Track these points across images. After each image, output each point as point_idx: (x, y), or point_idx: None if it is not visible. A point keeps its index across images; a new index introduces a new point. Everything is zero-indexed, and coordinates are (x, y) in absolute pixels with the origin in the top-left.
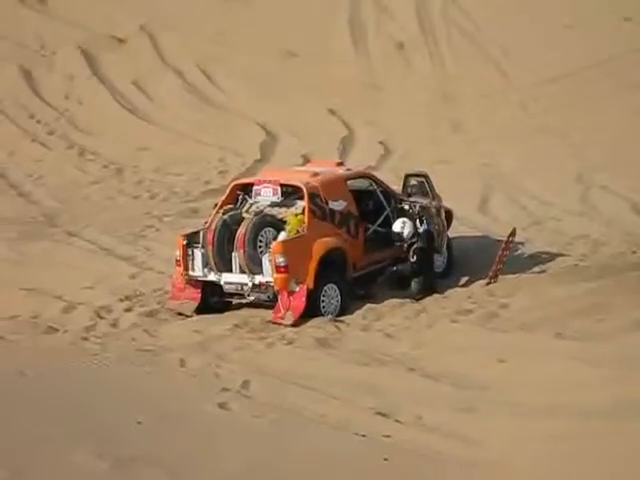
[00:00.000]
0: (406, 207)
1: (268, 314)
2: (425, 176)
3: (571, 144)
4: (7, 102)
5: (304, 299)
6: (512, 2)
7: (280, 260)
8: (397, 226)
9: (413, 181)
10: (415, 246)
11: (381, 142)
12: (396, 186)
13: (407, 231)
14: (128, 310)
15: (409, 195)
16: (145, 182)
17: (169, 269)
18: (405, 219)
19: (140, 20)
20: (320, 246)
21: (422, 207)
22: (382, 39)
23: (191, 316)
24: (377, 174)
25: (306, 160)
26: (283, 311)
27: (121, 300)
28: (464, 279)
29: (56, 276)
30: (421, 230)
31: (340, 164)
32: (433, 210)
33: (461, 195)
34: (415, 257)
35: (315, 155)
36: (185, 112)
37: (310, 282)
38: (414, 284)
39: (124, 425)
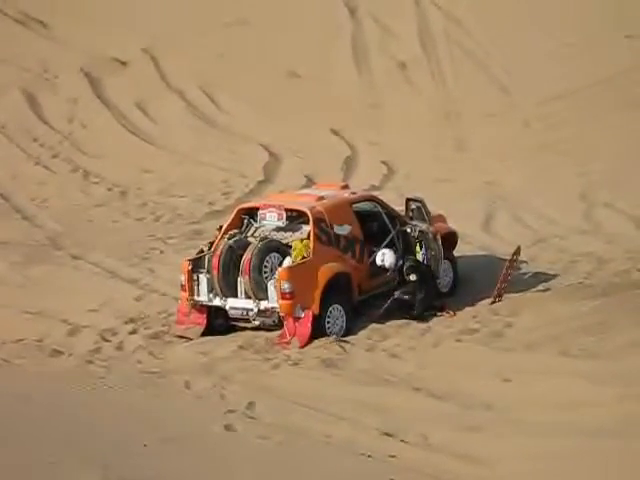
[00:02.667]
0: (408, 230)
1: (273, 335)
2: (421, 201)
3: (574, 162)
4: (11, 126)
5: (310, 325)
6: (514, 21)
7: (286, 286)
8: (378, 259)
9: (413, 205)
10: (408, 265)
11: (384, 162)
12: (400, 207)
13: (388, 262)
14: (133, 332)
15: (411, 218)
16: (149, 204)
17: (173, 291)
18: (383, 250)
19: (142, 43)
20: (325, 272)
21: (421, 232)
22: (384, 59)
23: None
24: (380, 194)
25: (310, 180)
26: (289, 337)
27: (126, 323)
28: (469, 298)
29: (61, 299)
30: (421, 254)
31: (345, 187)
32: (430, 236)
33: (465, 214)
34: (413, 276)
35: (318, 175)
36: (188, 134)
37: (316, 308)
38: (417, 305)
39: (130, 447)
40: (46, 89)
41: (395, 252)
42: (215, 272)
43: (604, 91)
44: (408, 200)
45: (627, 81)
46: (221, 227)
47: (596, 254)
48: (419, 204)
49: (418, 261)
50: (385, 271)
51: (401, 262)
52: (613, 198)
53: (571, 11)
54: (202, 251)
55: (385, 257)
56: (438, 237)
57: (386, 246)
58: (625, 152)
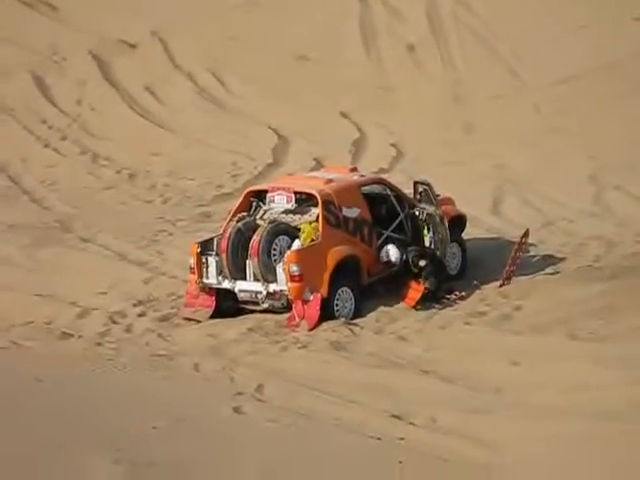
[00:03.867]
0: (417, 213)
1: (282, 317)
2: (428, 184)
3: (584, 145)
4: (19, 108)
5: (318, 308)
6: (523, 3)
7: (294, 269)
8: (382, 256)
9: (420, 188)
10: (412, 255)
11: (393, 144)
12: (408, 190)
13: (394, 257)
14: (142, 315)
15: (419, 201)
16: (158, 187)
17: (182, 274)
18: (387, 247)
19: (151, 25)
20: (334, 255)
21: (428, 215)
22: (393, 41)
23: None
24: (389, 177)
25: (318, 163)
26: (298, 319)
27: (135, 305)
28: (478, 281)
29: (70, 282)
30: (428, 237)
31: (354, 170)
32: (437, 219)
33: (473, 197)
34: (422, 262)
35: (327, 158)
36: (197, 116)
37: (324, 291)
38: (429, 280)
39: (139, 430)
40: (55, 71)
41: (405, 236)
42: (224, 255)
43: (613, 74)
44: (416, 183)
45: (637, 63)
46: (230, 211)
47: (605, 237)
48: (426, 187)
49: (421, 248)
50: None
51: (405, 255)
52: (623, 181)
53: None
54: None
55: (390, 253)
56: (445, 220)
57: (395, 229)
58: (635, 135)
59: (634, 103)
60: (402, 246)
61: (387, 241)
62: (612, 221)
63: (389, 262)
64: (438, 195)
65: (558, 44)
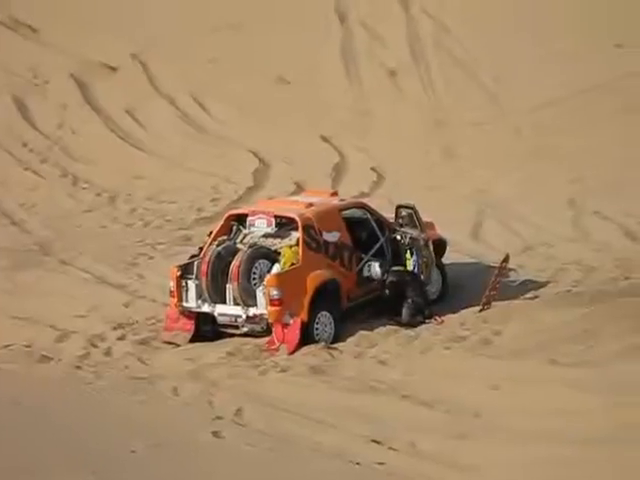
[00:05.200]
0: (398, 237)
1: (262, 341)
2: (413, 208)
3: (564, 169)
4: (0, 131)
5: (298, 332)
6: (503, 28)
7: (274, 293)
8: (364, 271)
9: (404, 212)
10: (389, 279)
11: (373, 169)
12: (389, 214)
13: (374, 273)
14: (121, 338)
15: (401, 225)
16: (138, 210)
17: (162, 297)
18: (370, 263)
19: (132, 48)
20: (314, 279)
21: (412, 239)
22: (374, 66)
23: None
24: (369, 201)
25: (299, 187)
26: (277, 344)
27: (114, 328)
28: (457, 306)
29: (49, 305)
30: (412, 261)
31: (334, 194)
32: (422, 242)
33: (454, 221)
34: (387, 292)
35: (308, 182)
36: (178, 140)
37: (304, 315)
38: (404, 311)
39: (118, 454)
40: (36, 94)
41: (384, 260)
42: (204, 278)
43: (593, 99)
44: (398, 207)
45: (616, 89)
46: (211, 233)
47: (584, 262)
48: (410, 211)
49: (402, 272)
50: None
51: (386, 275)
52: (602, 206)
53: (560, 19)
54: (194, 256)
55: (371, 269)
56: (430, 244)
57: (375, 254)
58: (614, 159)
59: (614, 128)
60: (385, 267)
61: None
62: (591, 246)
63: (369, 277)
64: None
65: (538, 69)
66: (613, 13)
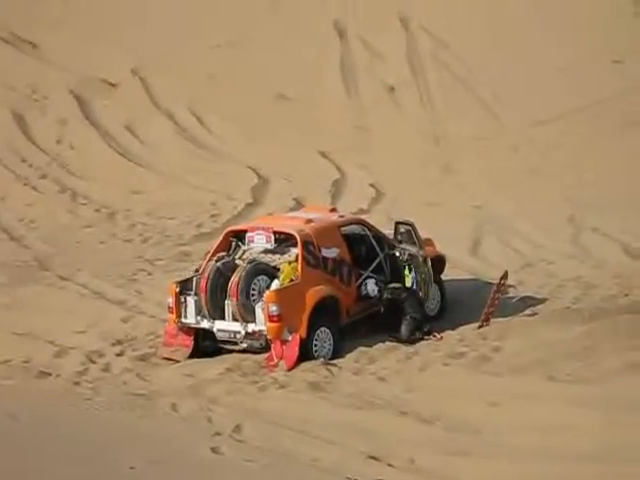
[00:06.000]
0: (397, 254)
1: (261, 357)
2: (411, 225)
3: (563, 186)
4: None
5: (297, 348)
6: (502, 45)
7: (273, 309)
8: (362, 289)
9: (402, 229)
10: (385, 296)
11: (372, 185)
12: (388, 230)
13: (370, 288)
14: (120, 354)
15: (400, 242)
16: (137, 226)
17: (161, 313)
18: (367, 280)
19: (131, 64)
20: (313, 295)
21: (410, 255)
22: (373, 82)
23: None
24: (368, 217)
25: (298, 203)
26: (276, 360)
27: (113, 344)
28: (456, 322)
29: (48, 320)
30: (410, 278)
31: (333, 210)
32: (420, 259)
33: (453, 238)
34: (383, 309)
35: (307, 198)
36: (177, 155)
37: (303, 332)
38: (403, 328)
39: (117, 470)
40: (35, 110)
41: (382, 277)
42: (203, 294)
43: (592, 115)
44: (397, 224)
45: (615, 105)
46: (209, 252)
47: (584, 279)
48: (409, 227)
49: (399, 288)
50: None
51: (381, 292)
52: (601, 223)
53: (560, 36)
54: (197, 271)
55: (367, 286)
56: (428, 261)
57: (374, 270)
58: (613, 176)
59: (612, 144)
60: (381, 284)
61: (375, 274)
62: (590, 263)
63: (366, 295)
64: None
65: (537, 86)
66: (610, 29)
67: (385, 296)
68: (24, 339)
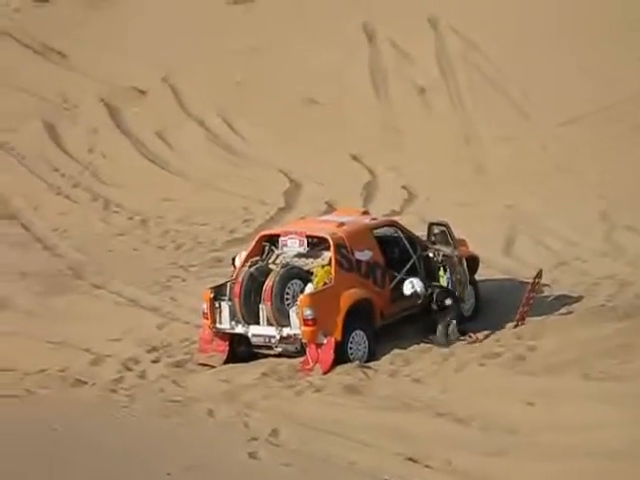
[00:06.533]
0: (431, 255)
1: (296, 361)
2: (446, 225)
3: (594, 184)
4: (31, 156)
5: (332, 352)
6: (531, 44)
7: (308, 313)
8: (407, 289)
9: (436, 229)
10: (438, 291)
11: (404, 187)
12: (421, 232)
13: (419, 288)
14: (155, 361)
15: (433, 243)
16: (170, 232)
17: (196, 319)
18: (411, 279)
19: (161, 72)
20: (347, 298)
21: (445, 256)
22: (403, 84)
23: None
24: (401, 219)
25: (330, 207)
26: (312, 363)
27: (148, 351)
28: (491, 322)
29: (83, 329)
30: (445, 279)
31: (365, 212)
32: (455, 259)
33: (486, 238)
34: (448, 300)
35: (339, 201)
36: (208, 161)
37: (338, 335)
38: (440, 329)
39: (154, 477)
40: (66, 119)
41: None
42: (237, 299)
43: (622, 113)
44: (431, 224)
45: None
46: (233, 259)
47: (618, 277)
48: (443, 228)
49: (445, 288)
50: (407, 297)
51: (429, 290)
52: (634, 220)
53: (588, 34)
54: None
55: (414, 284)
56: (463, 261)
57: (408, 271)
58: None
59: None
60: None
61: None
62: (624, 260)
63: (414, 294)
64: None
65: (567, 84)
66: (636, 26)
67: (437, 293)
68: (59, 348)
